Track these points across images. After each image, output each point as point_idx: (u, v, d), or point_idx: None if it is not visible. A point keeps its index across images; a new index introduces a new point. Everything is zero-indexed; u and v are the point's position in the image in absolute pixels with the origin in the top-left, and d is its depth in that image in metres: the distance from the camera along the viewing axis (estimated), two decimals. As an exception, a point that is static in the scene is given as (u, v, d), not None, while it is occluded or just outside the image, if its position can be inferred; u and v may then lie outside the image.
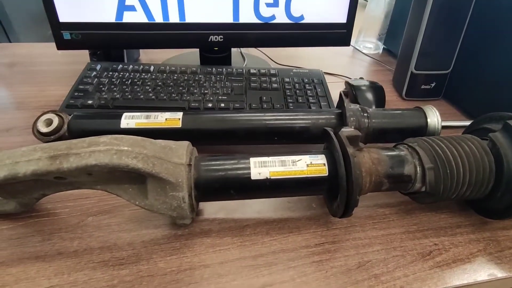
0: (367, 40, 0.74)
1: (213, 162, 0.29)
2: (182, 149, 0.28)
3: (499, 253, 0.31)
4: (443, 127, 0.39)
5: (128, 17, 0.48)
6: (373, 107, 0.48)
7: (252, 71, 0.53)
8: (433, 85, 0.55)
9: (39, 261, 0.28)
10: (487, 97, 0.49)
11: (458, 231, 0.33)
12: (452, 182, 0.30)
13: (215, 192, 0.29)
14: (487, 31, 0.48)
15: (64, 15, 0.47)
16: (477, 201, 0.33)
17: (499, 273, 0.30)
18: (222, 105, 0.46)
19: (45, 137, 0.37)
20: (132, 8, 0.48)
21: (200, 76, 0.51)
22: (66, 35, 0.48)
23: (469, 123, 0.37)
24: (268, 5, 0.51)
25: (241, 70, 0.53)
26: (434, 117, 0.39)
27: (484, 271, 0.30)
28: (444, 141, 0.31)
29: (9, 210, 0.30)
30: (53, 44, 0.49)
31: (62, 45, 0.49)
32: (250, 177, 0.29)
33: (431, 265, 0.30)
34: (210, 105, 0.45)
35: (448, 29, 0.50)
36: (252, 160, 0.29)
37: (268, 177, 0.29)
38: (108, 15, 0.48)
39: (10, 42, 1.46)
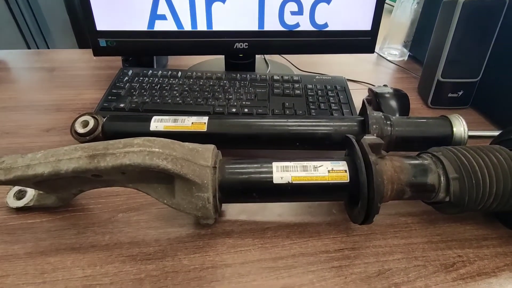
0: (392, 47, 0.73)
1: (237, 165, 0.31)
2: (208, 152, 0.29)
3: (528, 268, 0.30)
4: (470, 136, 0.38)
5: (159, 26, 0.51)
6: (397, 115, 0.48)
7: (275, 77, 0.55)
8: (460, 93, 0.53)
9: (75, 252, 0.30)
10: (518, 107, 0.47)
11: (484, 243, 0.32)
12: (478, 193, 0.29)
13: (238, 194, 0.30)
14: (519, 38, 0.47)
15: (101, 24, 0.50)
16: (505, 213, 0.32)
17: (527, 289, 0.29)
18: (246, 110, 0.47)
19: (82, 138, 0.39)
20: (163, 17, 0.51)
21: (225, 81, 0.53)
22: (102, 43, 0.51)
23: (498, 133, 0.36)
24: (292, 13, 0.52)
25: (264, 76, 0.55)
26: (460, 126, 0.38)
27: (511, 286, 0.29)
28: (470, 151, 0.31)
29: (49, 204, 0.32)
30: (88, 51, 0.52)
31: (98, 51, 0.52)
32: (272, 181, 0.30)
33: (454, 277, 0.29)
34: (234, 110, 0.47)
35: (477, 36, 0.49)
36: (275, 164, 0.30)
37: (290, 182, 0.29)
38: (141, 24, 0.51)
39: (48, 48, 1.56)
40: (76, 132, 0.40)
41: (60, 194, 0.31)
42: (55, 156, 0.26)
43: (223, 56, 0.61)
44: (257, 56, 0.63)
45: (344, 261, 0.30)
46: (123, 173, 0.27)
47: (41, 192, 0.32)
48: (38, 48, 1.47)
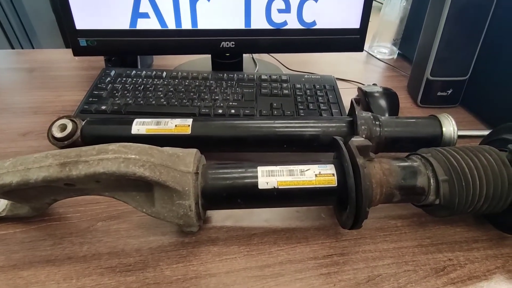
0: (381, 45, 0.73)
1: (220, 171, 0.29)
2: (189, 157, 0.28)
3: (519, 271, 0.30)
4: (460, 136, 0.38)
5: (142, 24, 0.49)
6: (386, 115, 0.47)
7: (263, 77, 0.53)
8: (449, 92, 0.53)
9: (49, 265, 0.28)
10: (507, 105, 0.47)
11: (474, 246, 0.32)
12: (468, 195, 0.28)
13: (222, 201, 0.29)
14: (508, 35, 0.46)
15: (81, 23, 0.48)
16: (495, 215, 0.32)
17: (518, 293, 0.28)
18: (233, 111, 0.46)
19: (59, 142, 0.38)
20: (145, 15, 0.49)
21: (211, 82, 0.51)
22: (83, 42, 0.49)
23: (487, 133, 0.36)
24: (280, 11, 0.51)
25: (252, 76, 0.53)
26: (449, 126, 0.37)
27: (502, 290, 0.28)
28: (459, 152, 0.30)
29: (22, 214, 0.31)
30: (70, 51, 0.50)
31: (78, 51, 0.50)
32: (257, 186, 0.28)
33: (444, 281, 0.29)
34: (220, 111, 0.45)
35: (466, 33, 0.48)
36: (260, 169, 0.29)
37: (276, 187, 0.28)
38: (122, 22, 0.49)
39: (33, 48, 1.52)
40: (53, 137, 0.38)
41: (33, 203, 0.29)
42: (24, 165, 0.25)
43: (210, 55, 0.59)
44: (245, 55, 0.62)
45: (333, 267, 0.30)
46: (98, 181, 0.25)
47: (13, 202, 0.31)
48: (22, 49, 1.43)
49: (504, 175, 0.28)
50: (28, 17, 1.45)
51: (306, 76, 0.55)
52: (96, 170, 0.24)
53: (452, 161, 0.29)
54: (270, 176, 0.29)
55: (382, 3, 0.71)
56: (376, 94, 0.49)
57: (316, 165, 0.30)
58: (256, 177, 0.29)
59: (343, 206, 0.30)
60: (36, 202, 0.29)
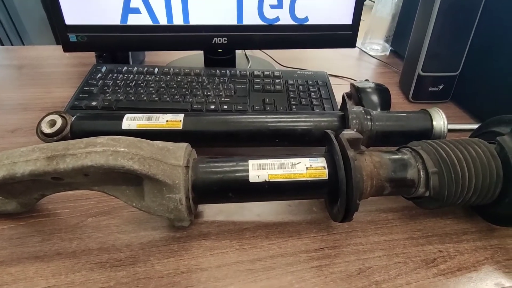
0: (374, 42, 0.73)
1: (211, 164, 0.29)
2: (180, 151, 0.28)
3: (507, 261, 0.30)
4: (450, 130, 0.38)
5: (133, 20, 0.49)
6: (378, 110, 0.47)
7: (255, 73, 0.53)
8: (440, 87, 0.53)
9: (38, 261, 0.28)
10: (496, 100, 0.47)
11: (464, 238, 0.32)
12: (457, 187, 0.29)
13: (213, 195, 0.29)
14: (497, 31, 0.47)
15: (70, 18, 0.47)
16: (484, 206, 0.32)
17: (507, 283, 0.29)
18: (225, 107, 0.46)
19: (48, 138, 0.37)
20: (136, 11, 0.48)
21: (203, 78, 0.51)
22: (72, 38, 0.49)
23: (477, 126, 0.36)
24: (272, 6, 0.51)
25: (244, 72, 0.53)
26: (440, 120, 0.38)
27: (491, 280, 0.29)
28: (449, 145, 0.30)
29: (10, 210, 0.30)
30: (60, 47, 0.49)
31: (68, 47, 0.49)
32: (248, 179, 0.28)
33: (435, 272, 0.29)
34: (212, 107, 0.45)
35: (456, 29, 0.49)
36: (251, 162, 0.29)
37: (267, 180, 0.28)
38: (113, 18, 0.48)
39: (23, 44, 1.50)
40: (42, 132, 0.37)
41: (21, 199, 0.28)
42: (11, 158, 0.24)
43: (202, 52, 0.59)
44: (237, 51, 0.62)
45: (324, 260, 0.30)
46: (86, 175, 0.25)
47: (1, 197, 0.30)
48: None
49: (493, 167, 0.29)
50: (18, 14, 1.43)
51: (298, 72, 0.55)
52: (84, 163, 0.23)
53: (441, 153, 0.29)
54: (261, 169, 0.29)
55: (374, 1, 0.71)
56: (368, 90, 0.50)
57: (307, 158, 0.30)
58: (247, 170, 0.29)
59: (334, 199, 0.30)
60: (24, 197, 0.28)
